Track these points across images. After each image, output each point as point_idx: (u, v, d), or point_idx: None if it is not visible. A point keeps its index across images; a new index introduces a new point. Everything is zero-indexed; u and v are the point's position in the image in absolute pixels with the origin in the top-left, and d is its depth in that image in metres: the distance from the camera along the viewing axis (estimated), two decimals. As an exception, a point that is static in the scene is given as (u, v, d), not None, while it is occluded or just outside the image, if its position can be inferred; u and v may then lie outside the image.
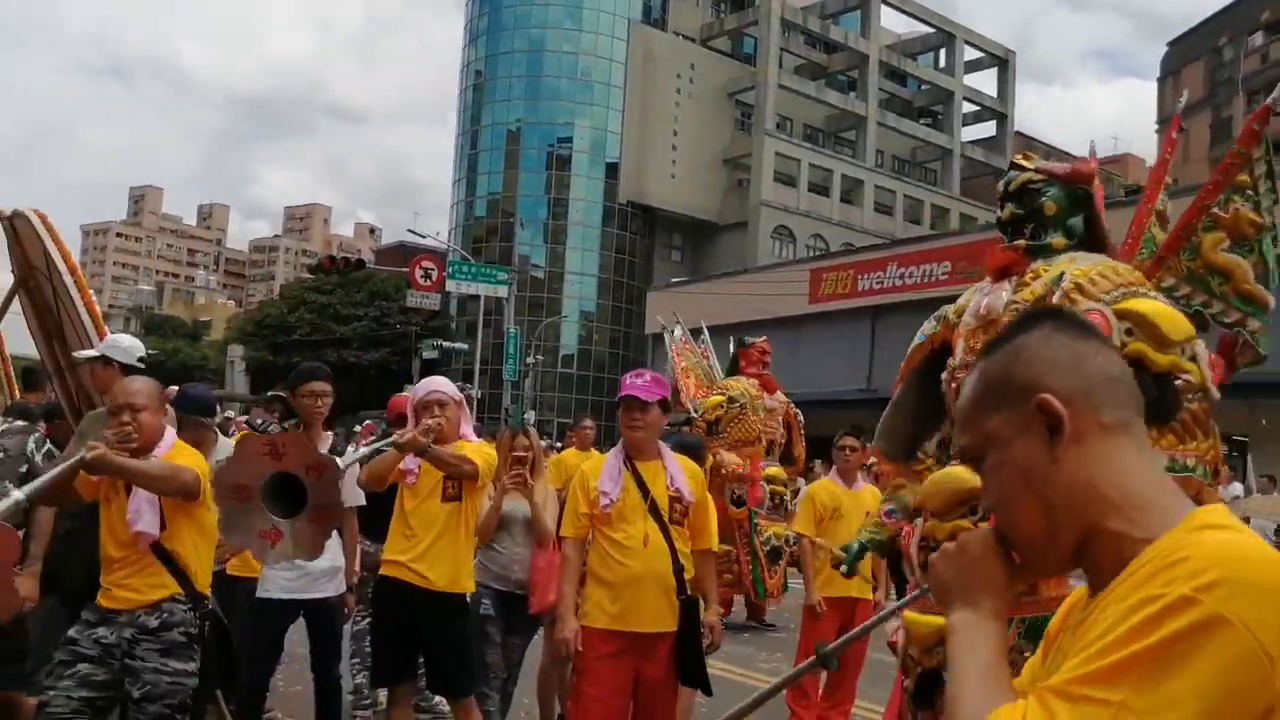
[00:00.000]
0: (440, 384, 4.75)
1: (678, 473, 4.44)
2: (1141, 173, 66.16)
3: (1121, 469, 1.14)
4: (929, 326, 4.10)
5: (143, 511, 3.68)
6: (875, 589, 6.77)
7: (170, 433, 3.90)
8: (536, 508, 5.20)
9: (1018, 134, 60.96)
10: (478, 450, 4.61)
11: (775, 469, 10.56)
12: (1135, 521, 1.11)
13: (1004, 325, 3.86)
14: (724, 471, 9.60)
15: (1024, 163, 3.90)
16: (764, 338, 11.24)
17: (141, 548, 3.71)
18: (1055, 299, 3.39)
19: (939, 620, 3.46)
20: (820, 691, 6.45)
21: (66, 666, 3.67)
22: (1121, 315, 3.30)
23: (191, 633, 3.79)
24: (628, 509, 4.30)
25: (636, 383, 4.42)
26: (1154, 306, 3.36)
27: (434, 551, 4.50)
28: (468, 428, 4.76)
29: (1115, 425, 1.16)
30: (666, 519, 4.34)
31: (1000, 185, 3.93)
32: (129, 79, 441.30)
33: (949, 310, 4.03)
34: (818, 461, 14.53)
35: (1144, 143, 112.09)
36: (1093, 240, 3.84)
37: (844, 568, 4.17)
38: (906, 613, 3.58)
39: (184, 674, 3.76)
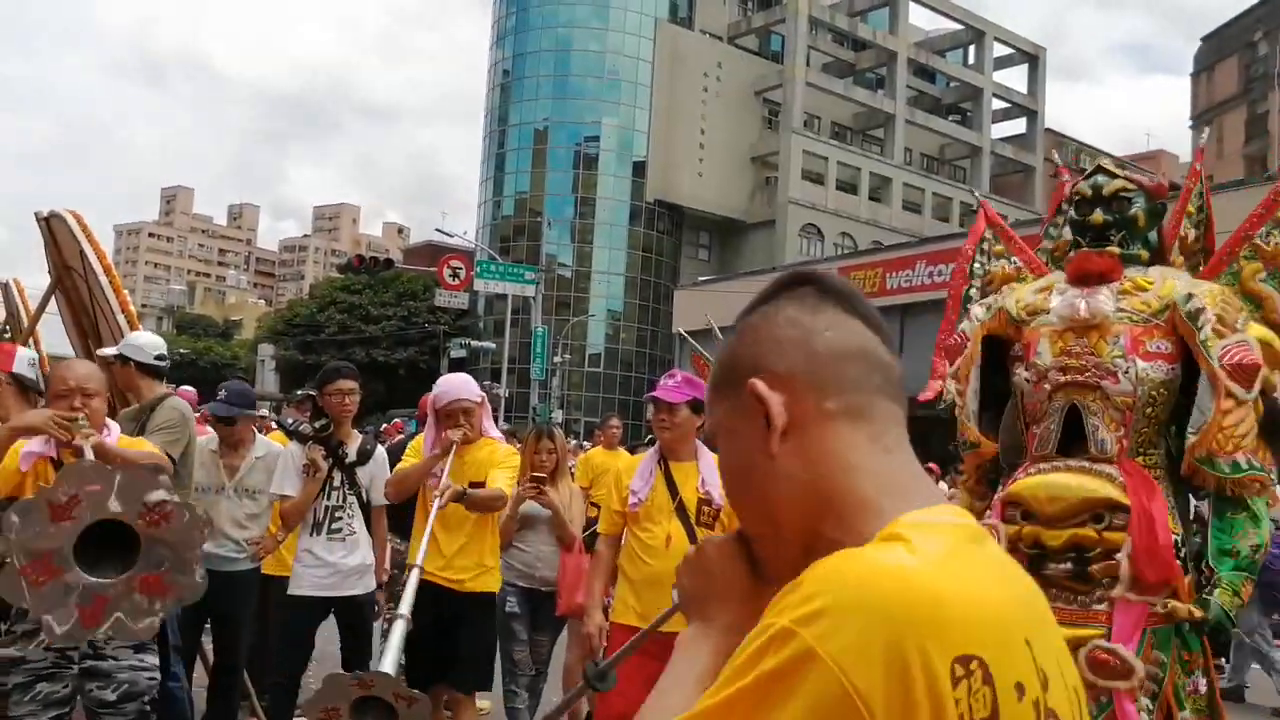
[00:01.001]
0: (462, 389, 4.66)
1: (711, 475, 4.44)
2: (1174, 170, 65.51)
3: (843, 463, 0.98)
4: (982, 312, 4.09)
5: None
6: None
7: (114, 423, 3.80)
8: (558, 512, 5.23)
9: (1048, 131, 60.43)
10: (505, 460, 4.63)
11: None
12: (848, 525, 0.95)
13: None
14: None
15: (1114, 169, 3.92)
16: None
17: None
18: (1207, 334, 3.47)
19: (1065, 633, 3.49)
20: None
21: (25, 690, 3.48)
22: None
23: None
24: (655, 509, 4.33)
25: (667, 384, 4.45)
26: (1265, 331, 3.55)
27: (461, 556, 4.55)
28: (489, 423, 4.77)
29: (842, 411, 0.99)
30: (694, 521, 4.35)
31: (1085, 188, 3.91)
32: (162, 80, 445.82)
33: (1010, 305, 3.99)
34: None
35: (1177, 140, 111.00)
36: (1162, 255, 3.91)
37: None
38: None
39: (155, 668, 3.71)
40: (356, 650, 5.21)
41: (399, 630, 3.62)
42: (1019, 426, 4.00)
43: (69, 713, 3.59)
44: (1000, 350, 4.08)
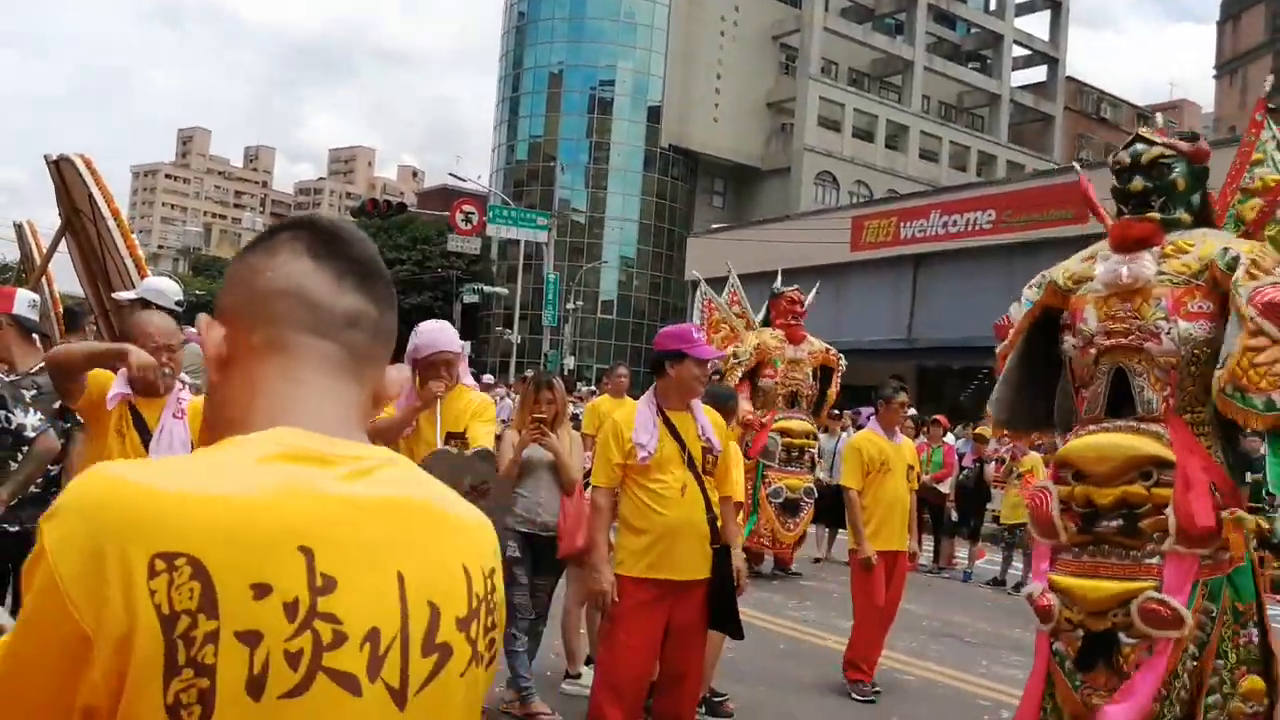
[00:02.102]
0: (445, 340, 4.46)
1: (706, 423, 4.54)
2: (1197, 119, 64.52)
3: (255, 390, 1.06)
4: (1033, 293, 4.24)
5: (175, 455, 3.54)
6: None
7: (185, 375, 3.87)
8: (560, 456, 5.28)
9: (1069, 79, 59.54)
10: (482, 412, 4.51)
11: (793, 422, 10.48)
12: None
13: None
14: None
15: (1152, 137, 4.02)
16: (795, 287, 11.10)
17: None
18: (1239, 275, 3.58)
19: (1115, 586, 3.64)
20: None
21: None
22: None
23: None
24: (665, 459, 4.36)
25: (699, 339, 4.56)
26: None
27: None
28: (464, 369, 4.63)
29: (264, 344, 1.06)
30: (700, 469, 4.44)
31: (1124, 156, 4.04)
32: (180, 23, 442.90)
33: (1058, 276, 4.13)
34: (846, 413, 14.49)
35: (1201, 88, 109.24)
36: (1205, 217, 4.02)
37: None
38: (1069, 579, 3.75)
39: None
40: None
41: None
42: (1070, 391, 4.15)
43: None
44: (1052, 321, 4.20)
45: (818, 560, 11.81)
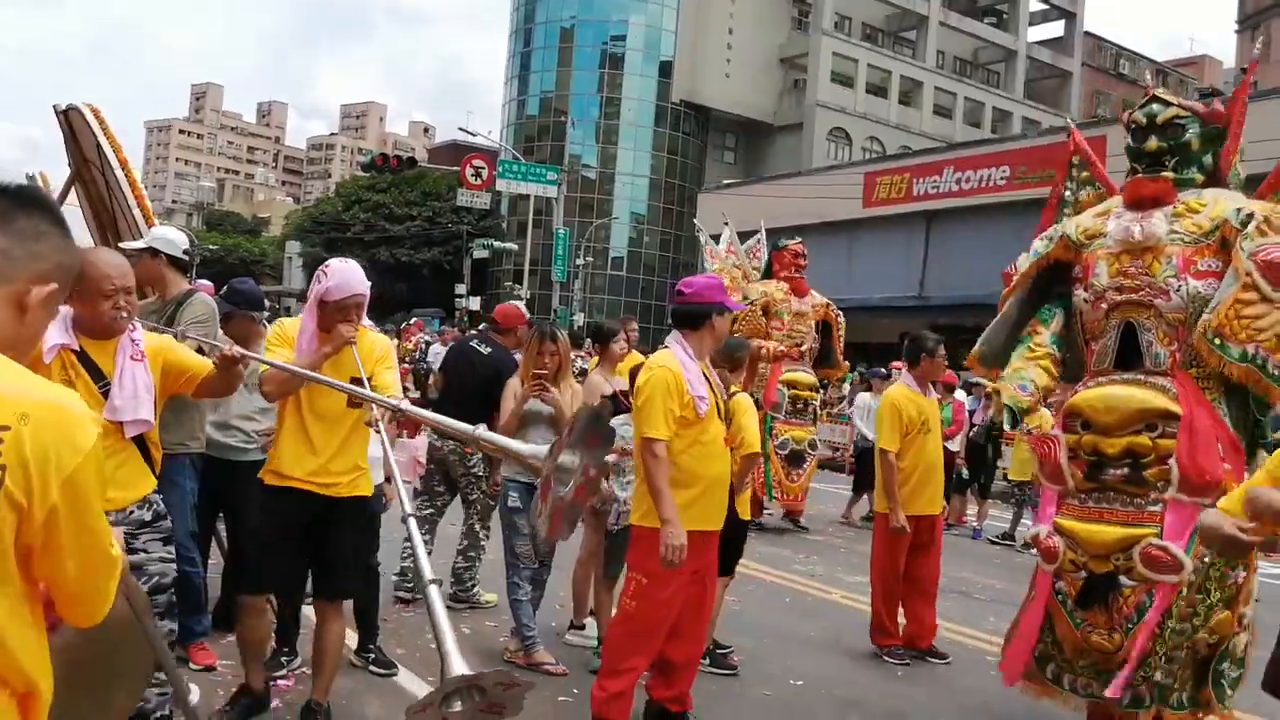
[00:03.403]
0: (357, 282, 4.05)
1: (713, 373, 4.58)
2: (1218, 75, 63.66)
3: None
4: (1042, 245, 4.37)
5: (141, 400, 3.47)
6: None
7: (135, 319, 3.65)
8: (562, 410, 5.29)
9: (1087, 35, 58.69)
10: (385, 355, 4.20)
11: (799, 374, 10.54)
12: None
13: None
14: (763, 352, 9.59)
15: (1168, 98, 4.13)
16: (798, 240, 11.11)
17: (125, 438, 3.45)
18: (1252, 228, 3.72)
19: (1119, 531, 3.80)
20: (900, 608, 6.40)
21: None
22: None
23: (170, 522, 3.72)
24: (710, 411, 4.35)
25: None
26: None
27: (339, 457, 4.14)
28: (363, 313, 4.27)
29: None
30: (722, 419, 4.50)
31: (1140, 115, 4.14)
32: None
33: (1070, 230, 4.25)
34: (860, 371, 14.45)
35: (1221, 44, 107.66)
36: (1217, 177, 4.12)
37: (1025, 415, 4.22)
38: (1077, 524, 3.92)
39: (175, 562, 3.72)
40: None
41: (436, 598, 2.21)
42: (1079, 344, 4.27)
43: None
44: (1065, 274, 4.31)
45: (844, 522, 11.70)
